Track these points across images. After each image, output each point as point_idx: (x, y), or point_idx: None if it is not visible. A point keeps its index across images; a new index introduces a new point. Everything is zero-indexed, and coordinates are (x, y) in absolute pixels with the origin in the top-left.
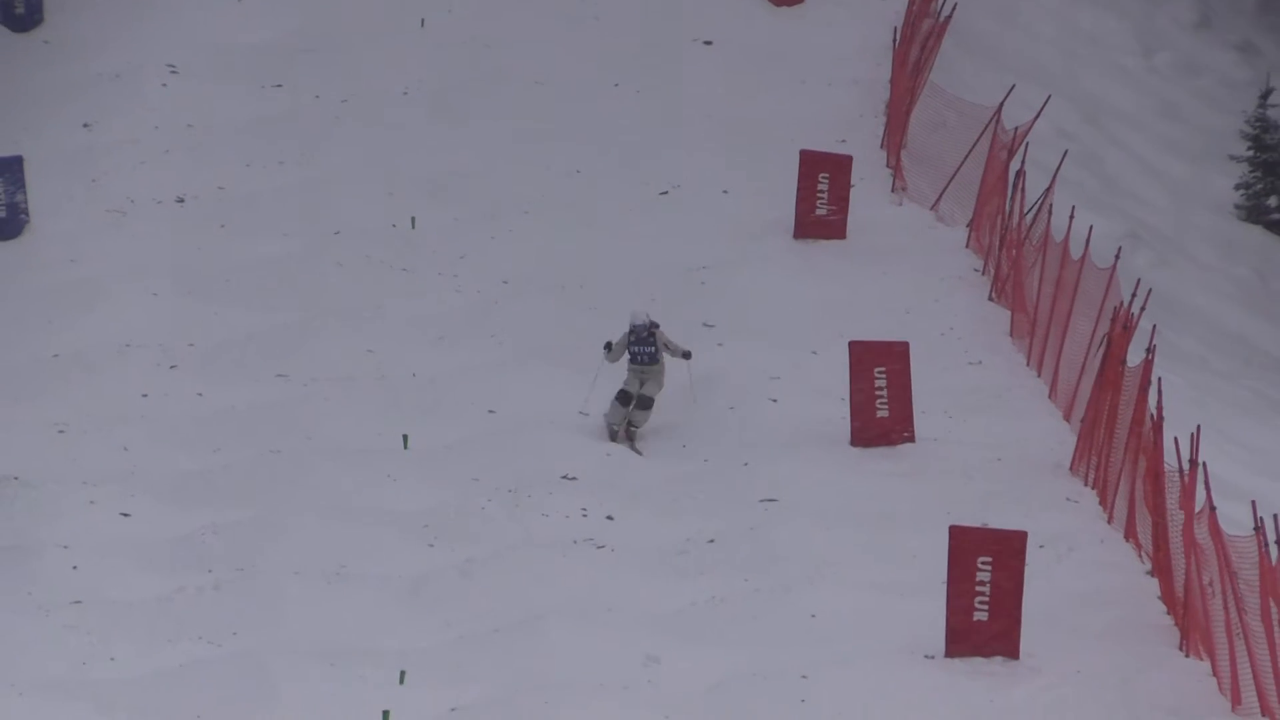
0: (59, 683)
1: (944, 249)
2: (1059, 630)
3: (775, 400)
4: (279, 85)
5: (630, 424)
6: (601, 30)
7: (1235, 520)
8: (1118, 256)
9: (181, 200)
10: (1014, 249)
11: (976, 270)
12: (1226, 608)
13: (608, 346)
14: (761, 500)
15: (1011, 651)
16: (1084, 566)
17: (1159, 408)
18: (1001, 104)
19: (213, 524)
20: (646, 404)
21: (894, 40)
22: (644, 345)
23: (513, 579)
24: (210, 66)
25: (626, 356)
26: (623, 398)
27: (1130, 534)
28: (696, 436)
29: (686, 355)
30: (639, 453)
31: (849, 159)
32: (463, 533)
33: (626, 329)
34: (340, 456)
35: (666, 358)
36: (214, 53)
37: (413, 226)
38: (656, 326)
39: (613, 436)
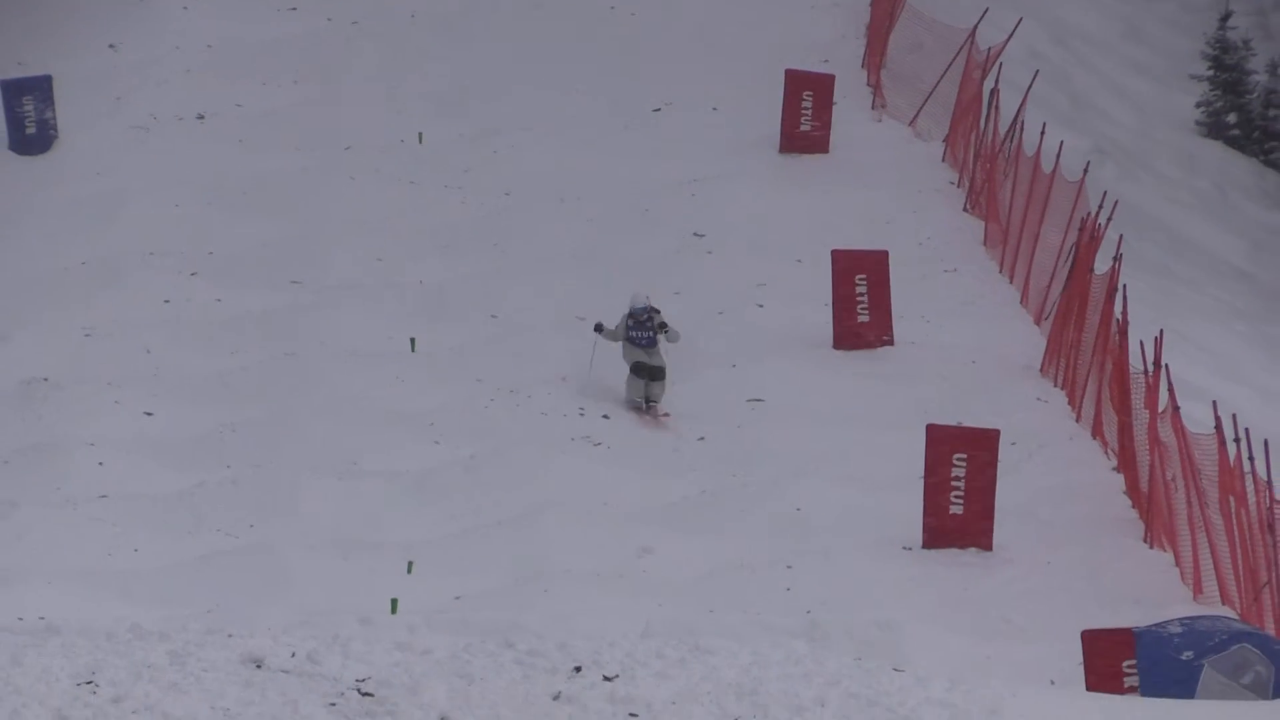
0: (85, 572)
1: (921, 163)
2: (1030, 523)
3: (761, 306)
4: (293, 9)
5: (648, 399)
6: None
7: (1197, 419)
8: (1086, 170)
9: (202, 117)
10: (988, 163)
11: (952, 183)
12: (1189, 502)
13: (598, 328)
14: (749, 400)
15: (985, 544)
16: (1053, 463)
17: (1124, 313)
18: (976, 26)
19: (231, 423)
20: (659, 374)
21: None
22: (643, 329)
23: (514, 474)
24: None
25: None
26: (637, 369)
27: (1097, 432)
28: (686, 340)
29: (676, 339)
30: (667, 414)
31: (831, 78)
32: (466, 430)
33: (625, 311)
34: (351, 359)
35: (662, 340)
36: None
37: (420, 142)
38: (657, 312)
39: (636, 409)
